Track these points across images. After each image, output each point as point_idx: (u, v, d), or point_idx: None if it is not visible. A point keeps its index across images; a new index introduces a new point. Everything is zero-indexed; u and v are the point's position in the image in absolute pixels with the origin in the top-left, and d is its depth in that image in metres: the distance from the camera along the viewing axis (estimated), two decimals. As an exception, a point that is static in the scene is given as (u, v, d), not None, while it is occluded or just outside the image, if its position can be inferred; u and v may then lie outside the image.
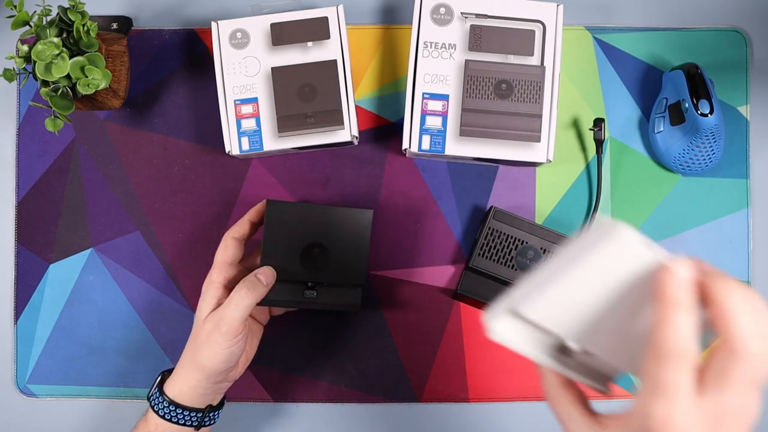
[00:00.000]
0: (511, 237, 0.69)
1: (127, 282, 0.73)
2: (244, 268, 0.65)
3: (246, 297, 0.59)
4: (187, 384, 0.61)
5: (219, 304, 0.61)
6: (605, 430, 0.39)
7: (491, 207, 0.71)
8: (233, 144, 0.68)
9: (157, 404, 0.61)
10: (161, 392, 0.61)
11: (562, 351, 0.42)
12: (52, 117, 0.64)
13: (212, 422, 0.64)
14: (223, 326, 0.59)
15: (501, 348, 0.72)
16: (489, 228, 0.69)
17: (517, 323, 0.40)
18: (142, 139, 0.73)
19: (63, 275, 0.73)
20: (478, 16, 0.67)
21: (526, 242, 0.69)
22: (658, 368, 0.35)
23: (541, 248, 0.69)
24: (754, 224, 0.73)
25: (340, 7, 0.68)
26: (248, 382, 0.72)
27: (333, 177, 0.73)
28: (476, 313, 0.72)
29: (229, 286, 0.62)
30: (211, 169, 0.73)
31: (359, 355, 0.72)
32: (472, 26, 0.67)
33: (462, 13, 0.67)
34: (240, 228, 0.64)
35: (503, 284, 0.70)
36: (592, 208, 0.73)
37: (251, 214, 0.65)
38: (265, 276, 0.61)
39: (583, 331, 0.39)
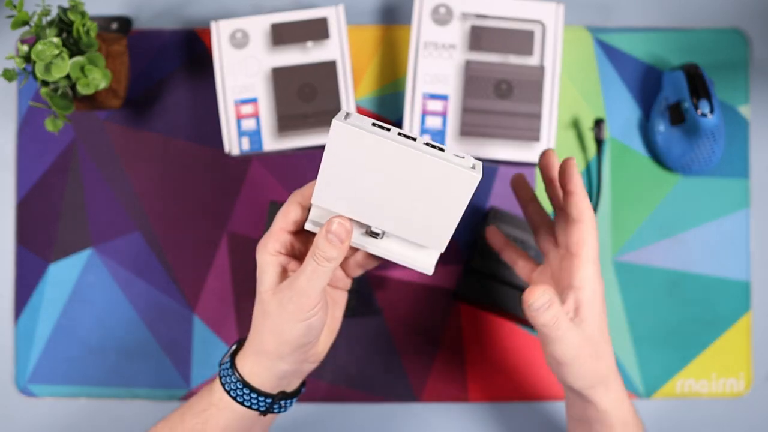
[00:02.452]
0: (511, 237, 0.69)
1: (127, 282, 0.73)
2: (304, 237, 0.55)
3: (324, 264, 0.49)
4: (259, 364, 0.53)
5: (285, 272, 0.52)
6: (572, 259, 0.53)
7: (491, 207, 0.71)
8: (233, 144, 0.68)
9: (225, 377, 0.54)
10: (233, 365, 0.54)
11: (372, 234, 0.50)
12: (52, 117, 0.64)
13: (283, 410, 0.56)
14: (298, 298, 0.49)
15: (501, 348, 0.72)
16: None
17: (323, 215, 0.50)
18: (142, 139, 0.73)
19: (63, 275, 0.73)
20: (478, 16, 0.67)
21: (526, 242, 0.69)
22: (585, 209, 0.53)
23: (541, 248, 0.69)
24: (754, 224, 0.73)
25: (340, 7, 0.68)
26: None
27: (333, 177, 0.73)
28: (476, 313, 0.72)
29: (289, 253, 0.53)
30: (211, 169, 0.73)
31: (359, 355, 0.72)
32: (472, 26, 0.67)
33: (462, 13, 0.67)
34: (307, 192, 0.53)
35: (503, 284, 0.70)
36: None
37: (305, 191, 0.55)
38: (338, 234, 0.48)
39: (365, 211, 0.48)
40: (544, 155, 0.56)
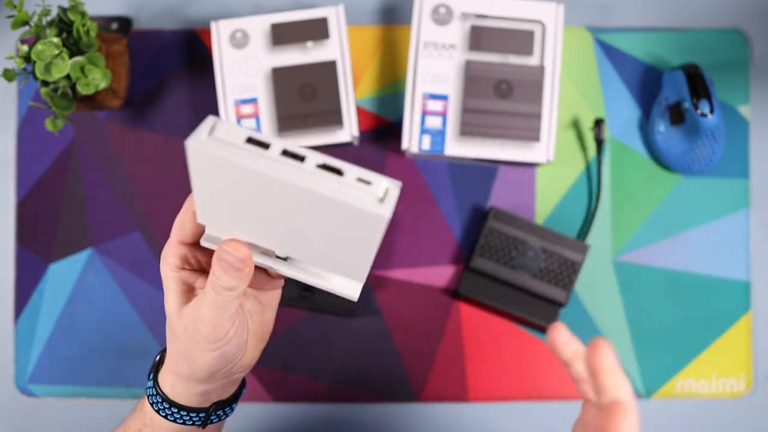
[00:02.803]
0: (511, 237, 0.69)
1: (127, 282, 0.73)
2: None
3: (225, 294, 0.42)
4: (179, 386, 0.47)
5: (191, 290, 0.46)
6: None
7: (491, 207, 0.71)
8: (233, 144, 0.68)
9: (152, 396, 0.49)
10: (156, 383, 0.48)
11: (277, 257, 0.41)
12: (52, 117, 0.64)
13: (224, 417, 0.51)
14: (203, 327, 0.43)
15: (501, 348, 0.72)
16: (489, 228, 0.69)
17: (219, 231, 0.40)
18: (142, 139, 0.73)
19: (63, 275, 0.73)
20: (478, 16, 0.67)
21: (526, 242, 0.69)
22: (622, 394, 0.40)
23: (541, 248, 0.69)
24: (754, 224, 0.73)
25: (340, 7, 0.68)
26: (248, 382, 0.72)
27: (333, 177, 0.73)
28: (476, 314, 0.72)
29: (193, 267, 0.46)
30: (211, 169, 0.73)
31: (359, 355, 0.72)
32: (472, 26, 0.67)
33: (462, 13, 0.67)
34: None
35: (503, 284, 0.70)
36: (592, 208, 0.73)
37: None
38: (233, 264, 0.40)
39: (259, 236, 0.38)
40: (551, 333, 0.43)
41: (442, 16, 0.67)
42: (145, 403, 0.50)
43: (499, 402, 0.73)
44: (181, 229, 0.43)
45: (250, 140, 0.34)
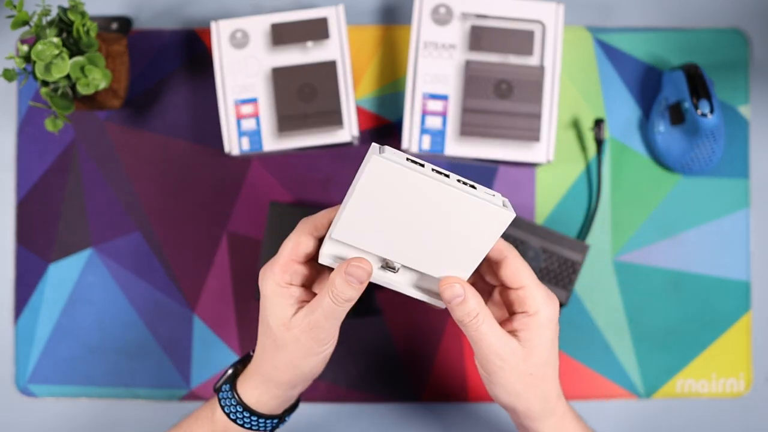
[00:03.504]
0: (511, 237, 0.69)
1: (127, 282, 0.73)
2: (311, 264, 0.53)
3: (341, 304, 0.49)
4: (268, 394, 0.53)
5: (294, 303, 0.51)
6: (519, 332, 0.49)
7: (491, 207, 0.71)
8: (233, 144, 0.68)
9: (229, 406, 0.54)
10: (235, 394, 0.54)
11: (389, 269, 0.49)
12: (52, 117, 0.64)
13: (286, 421, 0.58)
14: (316, 334, 0.49)
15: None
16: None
17: (340, 248, 0.48)
18: (142, 139, 0.73)
19: (63, 275, 0.73)
20: (478, 16, 0.67)
21: (526, 242, 0.69)
22: (503, 248, 0.50)
23: (541, 248, 0.69)
24: (754, 224, 0.73)
25: (340, 7, 0.68)
26: (248, 382, 0.72)
27: (333, 177, 0.73)
28: (476, 313, 0.72)
29: (300, 284, 0.52)
30: (211, 169, 0.73)
31: (359, 355, 0.72)
32: (472, 26, 0.67)
33: (462, 13, 0.67)
34: (319, 222, 0.51)
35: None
36: (592, 208, 0.73)
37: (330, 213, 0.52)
38: (359, 277, 0.48)
39: (389, 246, 0.47)
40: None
41: (442, 16, 0.67)
42: (217, 412, 0.54)
43: (499, 402, 0.73)
44: (296, 249, 0.50)
45: (409, 160, 0.44)
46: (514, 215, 0.45)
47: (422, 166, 0.44)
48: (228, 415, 0.54)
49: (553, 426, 0.51)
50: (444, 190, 0.44)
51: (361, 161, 0.73)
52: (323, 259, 0.48)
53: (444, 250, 0.46)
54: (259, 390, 0.53)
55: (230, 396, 0.54)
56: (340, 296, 0.47)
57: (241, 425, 0.54)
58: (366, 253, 0.48)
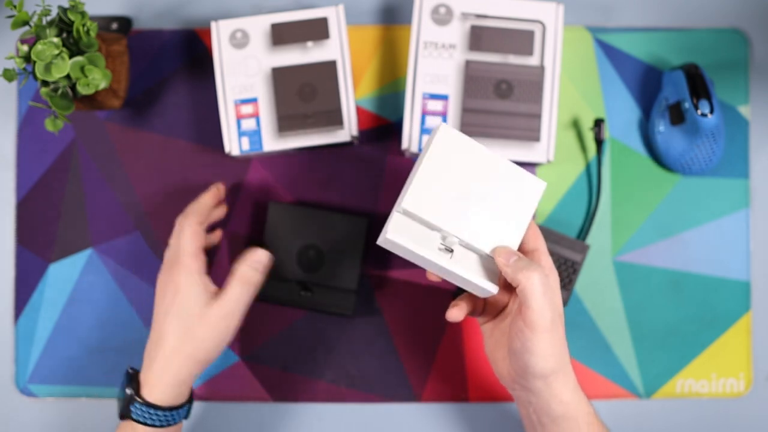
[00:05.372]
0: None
1: (127, 282, 0.73)
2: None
3: (246, 285, 0.60)
4: (176, 380, 0.59)
5: (210, 293, 0.60)
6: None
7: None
8: (233, 144, 0.68)
9: (142, 413, 0.58)
10: (144, 401, 0.58)
11: (446, 251, 0.53)
12: (52, 117, 0.64)
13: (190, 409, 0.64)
14: (232, 318, 0.59)
15: (501, 348, 0.72)
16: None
17: (407, 225, 0.52)
18: (142, 139, 0.73)
19: (63, 275, 0.73)
20: (478, 16, 0.67)
21: (526, 242, 0.69)
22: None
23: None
24: (754, 224, 0.73)
25: (340, 7, 0.68)
26: (248, 382, 0.72)
27: (333, 177, 0.73)
28: (476, 313, 0.72)
29: (205, 273, 0.62)
30: (211, 169, 0.73)
31: (359, 355, 0.72)
32: (472, 26, 0.67)
33: (462, 13, 0.67)
34: (205, 210, 0.64)
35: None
36: (592, 208, 0.73)
37: (211, 197, 0.66)
38: (260, 263, 0.61)
39: (450, 220, 0.52)
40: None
41: (442, 16, 0.67)
42: (138, 429, 0.58)
43: (499, 402, 0.73)
44: (196, 239, 0.61)
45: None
46: (545, 183, 0.54)
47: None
48: (140, 421, 0.57)
49: (571, 373, 0.55)
50: (497, 161, 0.52)
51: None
52: (391, 235, 0.52)
53: (494, 225, 0.53)
54: (163, 380, 0.58)
55: (138, 402, 0.57)
56: (252, 281, 0.60)
57: (151, 425, 0.58)
58: (430, 229, 0.53)
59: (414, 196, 0.52)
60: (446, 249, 0.53)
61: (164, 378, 0.58)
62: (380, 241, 0.53)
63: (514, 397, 0.58)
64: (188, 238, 0.60)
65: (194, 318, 0.59)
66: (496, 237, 0.53)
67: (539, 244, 0.56)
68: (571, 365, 0.55)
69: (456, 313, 0.57)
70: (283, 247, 0.68)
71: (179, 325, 0.59)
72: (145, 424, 0.58)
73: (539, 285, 0.51)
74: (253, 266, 0.61)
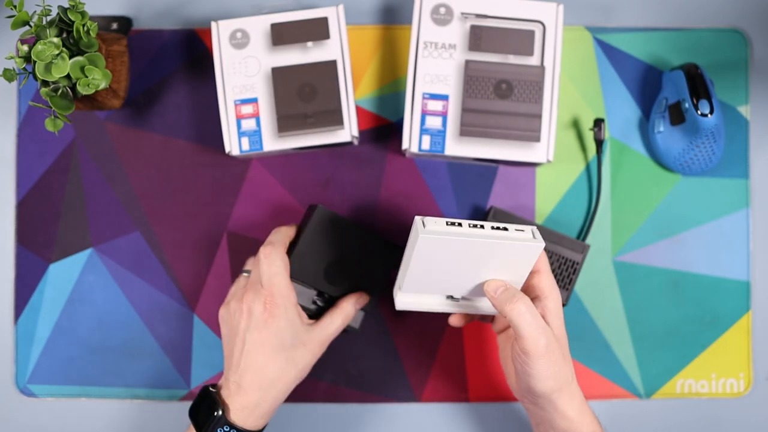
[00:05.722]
0: (511, 237, 0.69)
1: (127, 282, 0.73)
2: None
3: (345, 320, 0.64)
4: (273, 407, 0.60)
5: (306, 323, 0.62)
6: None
7: (491, 207, 0.71)
8: (233, 144, 0.68)
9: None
10: (228, 422, 0.57)
11: (452, 299, 0.60)
12: (52, 117, 0.64)
13: None
14: (324, 346, 0.62)
15: (501, 348, 0.72)
16: (489, 228, 0.69)
17: (411, 295, 0.60)
18: (142, 139, 0.73)
19: (63, 275, 0.73)
20: (478, 16, 0.67)
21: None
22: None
23: (541, 248, 0.69)
24: (754, 224, 0.73)
25: (340, 7, 0.68)
26: (248, 382, 0.72)
27: (333, 177, 0.73)
28: (476, 313, 0.72)
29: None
30: (211, 169, 0.73)
31: (359, 355, 0.72)
32: (472, 26, 0.67)
33: (462, 13, 0.67)
34: (286, 247, 0.63)
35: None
36: (592, 208, 0.73)
37: (291, 227, 0.65)
38: (361, 304, 0.66)
39: (449, 287, 0.59)
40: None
41: (442, 16, 0.67)
42: None
43: (499, 402, 0.73)
44: (286, 270, 0.62)
45: (448, 223, 0.54)
46: (543, 244, 0.54)
47: (459, 225, 0.54)
48: None
49: (575, 390, 0.57)
50: (482, 243, 0.53)
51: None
52: (400, 306, 0.60)
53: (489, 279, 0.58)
54: (269, 413, 0.60)
55: (228, 429, 0.57)
56: (348, 318, 0.64)
57: None
58: (431, 294, 0.60)
59: (406, 293, 0.59)
60: (452, 298, 0.60)
61: (263, 405, 0.59)
62: (397, 306, 0.60)
63: (524, 408, 0.61)
64: (282, 268, 0.60)
65: (297, 347, 0.60)
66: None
67: (540, 265, 0.58)
68: (576, 382, 0.57)
69: (457, 319, 0.63)
70: (317, 253, 0.65)
71: (281, 356, 0.59)
72: None
73: (526, 314, 0.53)
74: (357, 305, 0.65)
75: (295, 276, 0.64)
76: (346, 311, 0.64)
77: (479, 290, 0.58)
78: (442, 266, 0.56)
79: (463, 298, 0.60)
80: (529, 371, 0.54)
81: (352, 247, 0.65)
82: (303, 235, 0.64)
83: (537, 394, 0.56)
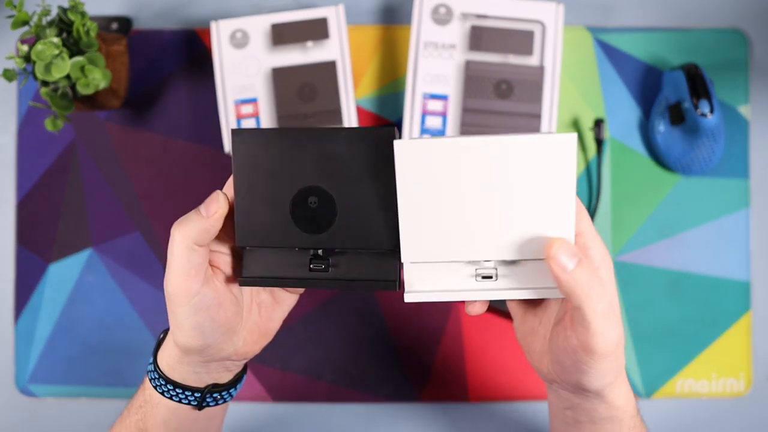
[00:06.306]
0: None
1: (127, 282, 0.73)
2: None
3: (180, 239, 0.45)
4: (172, 358, 0.49)
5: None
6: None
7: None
8: (233, 144, 0.68)
9: (150, 372, 0.50)
10: (155, 360, 0.50)
11: (485, 278, 0.42)
12: (52, 117, 0.64)
13: (220, 401, 0.51)
14: (168, 287, 0.47)
15: (501, 348, 0.72)
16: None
17: (423, 273, 0.41)
18: (142, 139, 0.73)
19: (63, 275, 0.73)
20: (478, 16, 0.67)
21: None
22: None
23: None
24: (754, 224, 0.73)
25: (340, 7, 0.68)
26: (248, 381, 0.72)
27: (333, 177, 0.73)
28: (476, 313, 0.72)
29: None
30: (211, 169, 0.73)
31: (359, 355, 0.72)
32: (472, 26, 0.67)
33: (462, 13, 0.67)
34: (196, 233, 0.50)
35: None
36: (592, 208, 0.73)
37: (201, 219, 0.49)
38: (207, 205, 0.46)
39: (469, 246, 0.40)
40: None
41: (442, 16, 0.67)
42: (146, 380, 0.51)
43: (499, 402, 0.73)
44: (195, 268, 0.49)
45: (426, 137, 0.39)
46: (576, 135, 0.38)
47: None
48: (150, 381, 0.50)
49: (625, 378, 0.46)
50: (491, 143, 0.37)
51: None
52: (410, 297, 0.42)
53: (527, 222, 0.39)
54: (169, 356, 0.49)
55: (151, 362, 0.50)
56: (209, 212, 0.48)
57: (161, 393, 0.49)
58: (449, 265, 0.41)
59: (409, 243, 0.40)
60: (484, 276, 0.41)
61: (165, 345, 0.51)
62: (406, 300, 0.43)
63: (549, 390, 0.49)
64: (179, 264, 0.51)
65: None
66: (539, 231, 0.39)
67: (584, 225, 0.42)
68: (624, 369, 0.46)
69: (480, 306, 0.44)
70: (265, 197, 0.44)
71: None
72: (147, 374, 0.52)
73: (603, 307, 0.39)
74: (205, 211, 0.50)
75: (259, 241, 0.45)
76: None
77: (515, 247, 0.40)
78: (445, 203, 0.39)
79: (501, 269, 0.41)
80: (588, 370, 0.42)
81: (314, 165, 0.43)
82: (234, 184, 0.47)
83: (588, 390, 0.44)
